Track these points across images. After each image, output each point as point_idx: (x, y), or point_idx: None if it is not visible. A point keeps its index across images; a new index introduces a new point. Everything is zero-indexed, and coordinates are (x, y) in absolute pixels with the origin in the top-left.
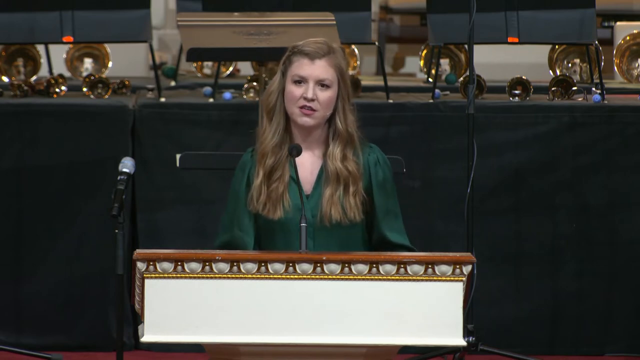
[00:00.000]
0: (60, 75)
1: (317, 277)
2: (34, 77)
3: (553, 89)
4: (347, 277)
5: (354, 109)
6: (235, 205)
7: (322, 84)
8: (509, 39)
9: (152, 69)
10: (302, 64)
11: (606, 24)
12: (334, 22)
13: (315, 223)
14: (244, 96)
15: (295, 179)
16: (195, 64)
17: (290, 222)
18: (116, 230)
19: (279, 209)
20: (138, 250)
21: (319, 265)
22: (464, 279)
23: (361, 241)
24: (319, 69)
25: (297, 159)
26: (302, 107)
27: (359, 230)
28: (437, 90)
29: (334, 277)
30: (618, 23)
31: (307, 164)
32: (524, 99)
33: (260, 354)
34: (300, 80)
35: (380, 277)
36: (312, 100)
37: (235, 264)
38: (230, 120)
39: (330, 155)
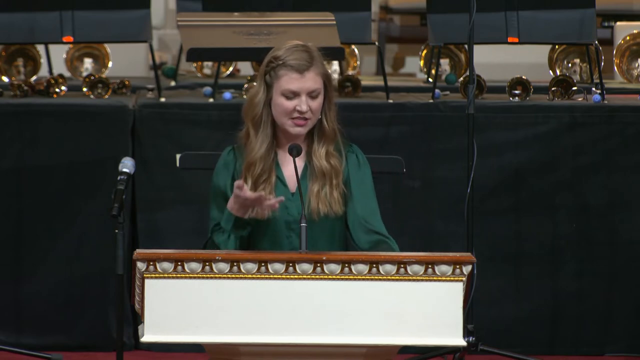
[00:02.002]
0: (60, 75)
1: (317, 277)
2: (34, 77)
3: (553, 89)
4: (347, 277)
5: (336, 106)
6: (225, 200)
7: (312, 95)
8: (509, 39)
9: (152, 69)
10: (291, 79)
11: (606, 24)
12: (334, 22)
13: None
14: (244, 96)
15: (281, 179)
16: (195, 64)
17: (276, 220)
18: (116, 230)
19: (266, 209)
20: (138, 250)
21: (319, 265)
22: (464, 279)
23: (342, 235)
24: (309, 81)
25: (282, 159)
26: (294, 119)
27: (340, 225)
28: (437, 90)
29: (334, 277)
30: (618, 23)
31: (292, 164)
32: (524, 99)
33: (260, 354)
34: (291, 95)
35: (380, 277)
36: (306, 111)
37: (235, 264)
38: (230, 120)
39: (316, 153)
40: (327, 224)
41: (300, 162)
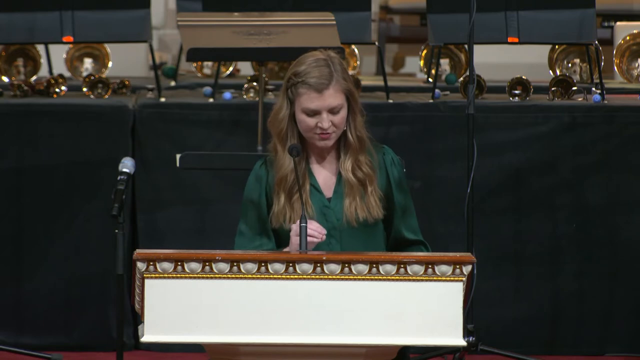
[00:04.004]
0: (60, 75)
1: (317, 277)
2: (34, 77)
3: (553, 89)
4: (347, 277)
5: (362, 112)
6: (258, 214)
7: (333, 111)
8: (509, 39)
9: (152, 69)
10: (310, 98)
11: (606, 24)
12: (334, 22)
13: (341, 225)
14: (244, 96)
15: (316, 187)
16: (195, 64)
17: None
18: (116, 230)
19: None
20: (138, 250)
21: (319, 265)
22: (464, 279)
23: (382, 238)
24: (329, 98)
25: (314, 167)
26: (318, 134)
27: (381, 227)
28: (437, 90)
29: (334, 277)
30: (618, 23)
31: (325, 169)
32: (524, 99)
33: (260, 354)
34: (312, 113)
35: (380, 277)
36: (328, 127)
37: (235, 264)
38: (230, 120)
39: (343, 166)
40: (367, 230)
41: (334, 168)
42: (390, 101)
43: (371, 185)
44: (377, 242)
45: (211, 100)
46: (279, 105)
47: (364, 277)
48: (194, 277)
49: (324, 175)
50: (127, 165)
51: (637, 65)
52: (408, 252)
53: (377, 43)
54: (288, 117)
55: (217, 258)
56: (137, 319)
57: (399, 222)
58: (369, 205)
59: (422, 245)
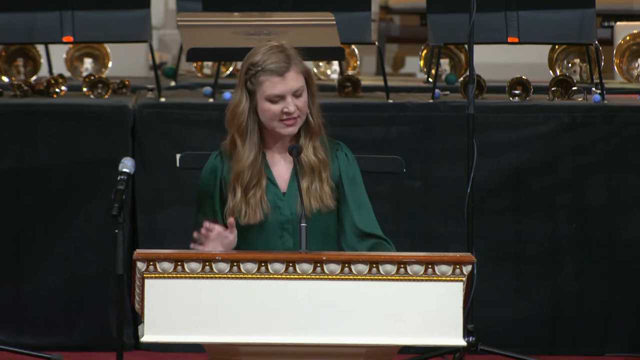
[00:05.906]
0: (60, 75)
1: (317, 277)
2: (34, 77)
3: (553, 89)
4: (347, 277)
5: (318, 101)
6: (213, 207)
7: (296, 94)
8: (509, 39)
9: (152, 69)
10: (273, 83)
11: (606, 24)
12: (334, 22)
13: (294, 219)
14: None
15: (272, 180)
16: (195, 64)
17: (268, 222)
18: (116, 230)
19: (258, 213)
20: (138, 250)
21: (319, 265)
22: (464, 279)
23: (335, 233)
24: (291, 81)
25: (270, 160)
26: (283, 120)
27: (334, 219)
28: (437, 90)
29: (334, 277)
30: (618, 23)
31: (281, 164)
32: (524, 99)
33: (260, 354)
34: (276, 99)
35: (380, 277)
36: (294, 111)
37: (235, 264)
38: None
39: (304, 150)
40: (320, 221)
41: (288, 163)
42: (390, 101)
43: (325, 172)
44: (330, 233)
45: (211, 100)
46: (237, 99)
47: (364, 277)
48: (194, 277)
49: (279, 168)
50: (127, 165)
51: (637, 65)
52: (379, 250)
53: (377, 43)
54: (248, 109)
55: (217, 258)
56: (137, 319)
57: (354, 217)
58: (322, 194)
59: (387, 242)
